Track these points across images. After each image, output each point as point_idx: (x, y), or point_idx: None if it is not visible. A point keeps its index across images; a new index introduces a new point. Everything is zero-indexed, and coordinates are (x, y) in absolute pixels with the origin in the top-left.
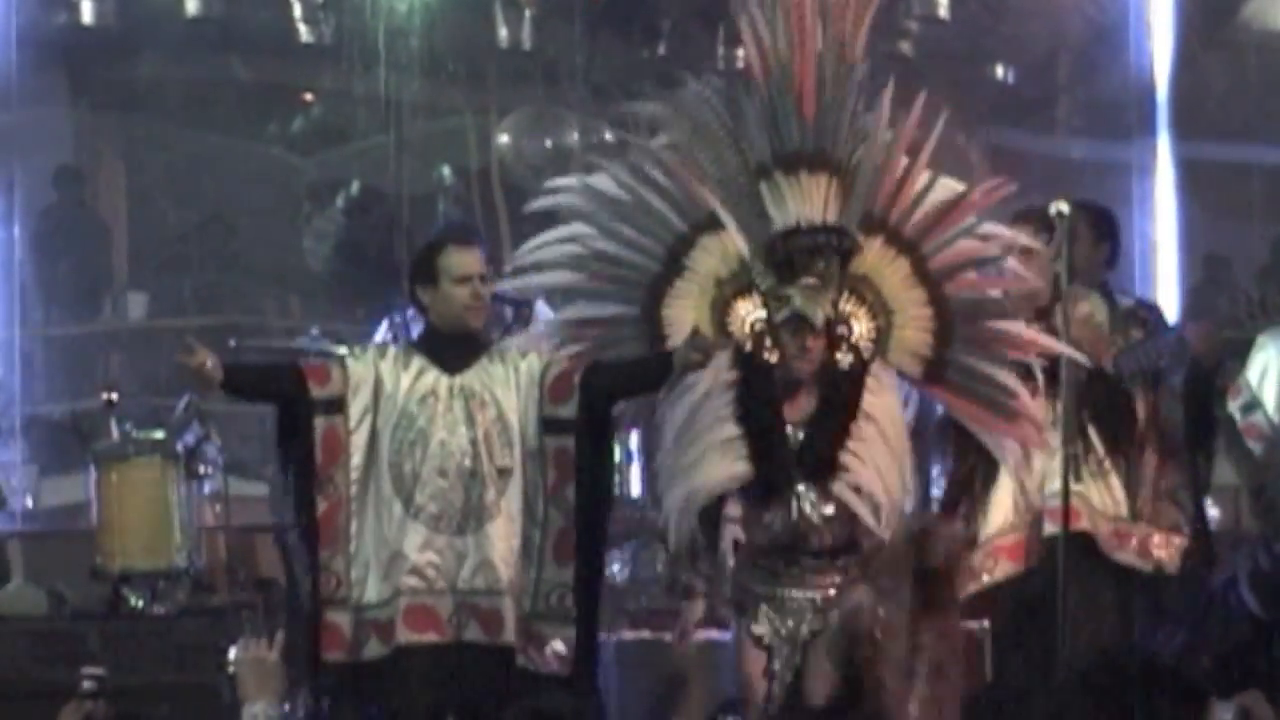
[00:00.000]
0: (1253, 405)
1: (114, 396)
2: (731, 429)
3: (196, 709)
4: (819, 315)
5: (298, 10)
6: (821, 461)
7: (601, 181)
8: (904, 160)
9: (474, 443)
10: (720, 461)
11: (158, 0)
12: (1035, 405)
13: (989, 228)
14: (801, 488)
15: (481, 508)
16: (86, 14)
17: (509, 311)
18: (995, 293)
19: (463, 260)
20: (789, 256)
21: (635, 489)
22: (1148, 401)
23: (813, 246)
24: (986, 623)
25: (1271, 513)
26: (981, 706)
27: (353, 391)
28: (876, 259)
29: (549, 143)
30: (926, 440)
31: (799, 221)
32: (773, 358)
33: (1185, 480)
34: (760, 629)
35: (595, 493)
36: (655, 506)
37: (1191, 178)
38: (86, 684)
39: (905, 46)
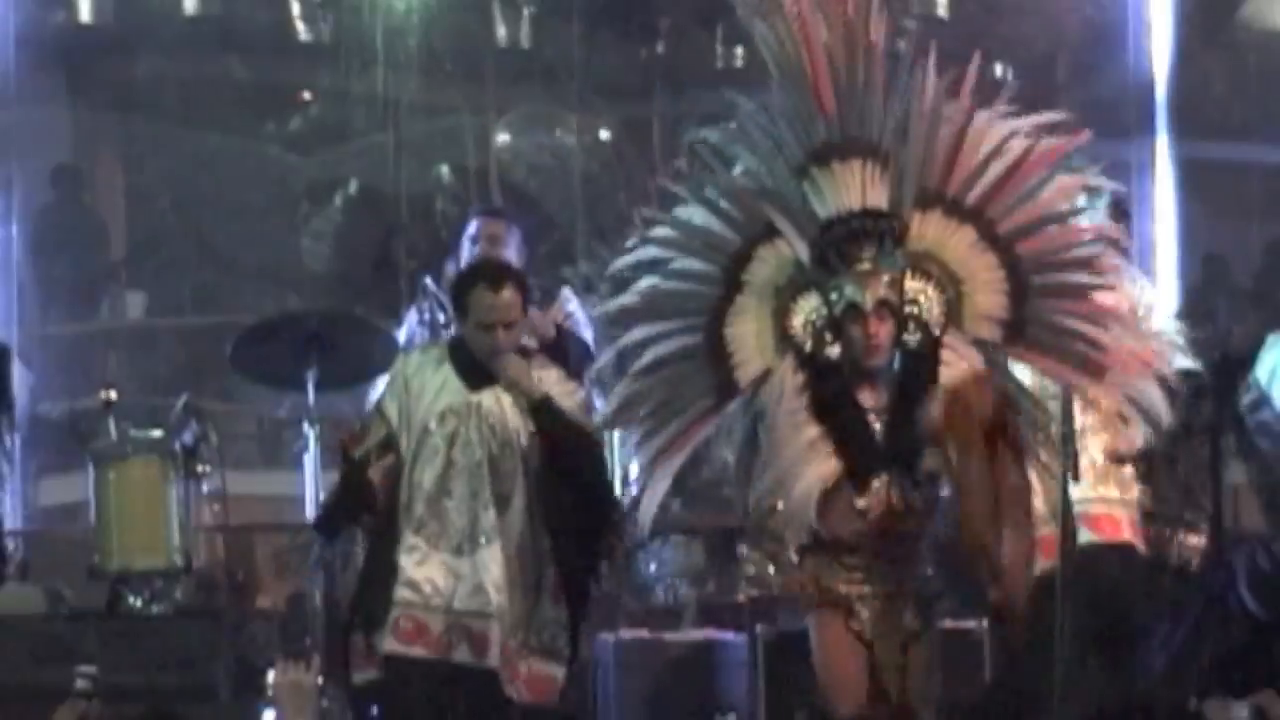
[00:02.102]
0: (1262, 403)
1: (112, 396)
2: (811, 430)
3: (194, 709)
4: (868, 300)
5: (296, 9)
6: (908, 444)
7: (661, 231)
8: (951, 129)
9: (479, 464)
10: (810, 464)
11: (156, 0)
12: (1124, 350)
13: (1063, 180)
14: (890, 476)
15: (479, 530)
16: (84, 13)
17: (536, 294)
18: (1073, 248)
19: (488, 304)
20: (833, 247)
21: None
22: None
23: (849, 234)
24: (985, 623)
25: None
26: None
27: (397, 428)
28: (937, 231)
29: (547, 142)
30: None
31: (836, 211)
32: (833, 351)
33: (1202, 478)
34: (858, 625)
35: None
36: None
37: (1190, 177)
38: (80, 683)
39: (903, 45)
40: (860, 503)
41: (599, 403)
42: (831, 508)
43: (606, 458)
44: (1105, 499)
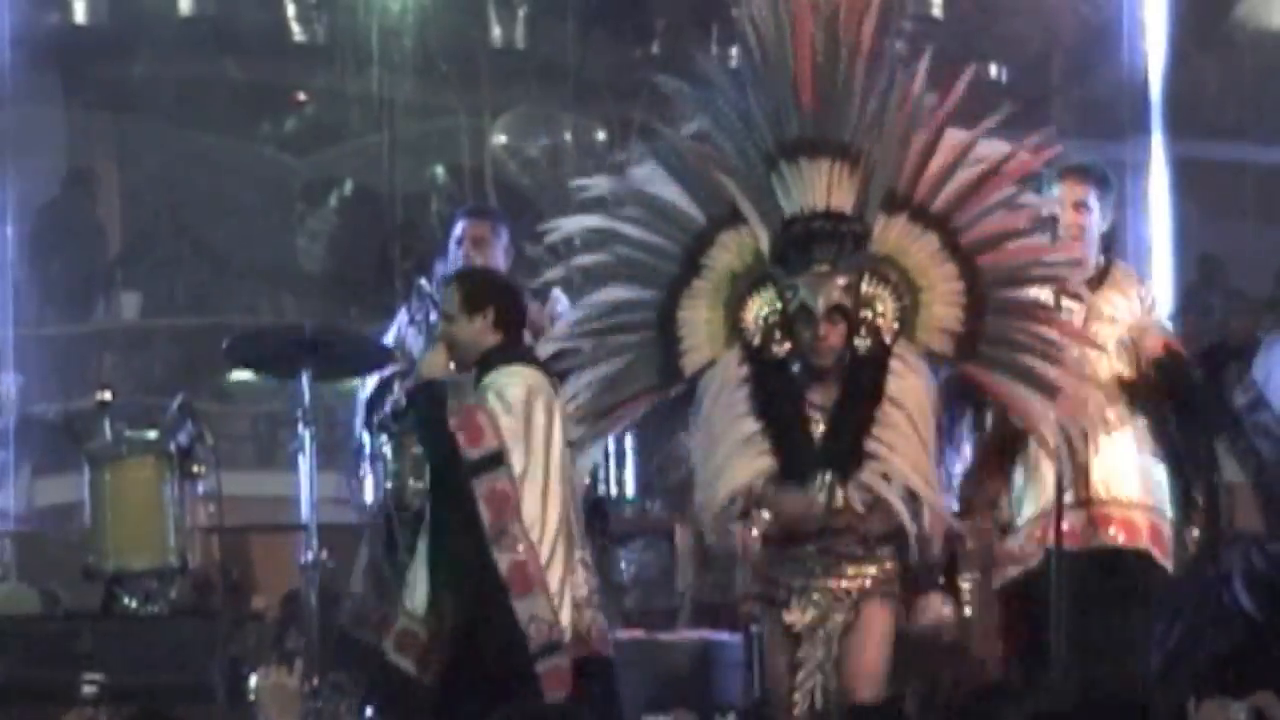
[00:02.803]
0: (1260, 404)
1: (107, 396)
2: (750, 425)
3: (190, 709)
4: (820, 303)
5: (291, 10)
6: (845, 450)
7: (625, 184)
8: (926, 135)
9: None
10: (743, 458)
11: (151, 0)
12: (1078, 374)
13: (1028, 198)
14: (830, 476)
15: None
16: (80, 13)
17: (527, 296)
18: (1037, 266)
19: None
20: (792, 246)
21: (630, 489)
22: None
23: (809, 234)
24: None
25: (1275, 510)
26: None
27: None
28: (899, 237)
29: (542, 142)
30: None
31: (799, 209)
32: (780, 349)
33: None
34: (791, 617)
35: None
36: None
37: (1185, 177)
38: (87, 689)
39: (898, 45)
40: (804, 503)
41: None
42: (784, 501)
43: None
44: (1123, 502)
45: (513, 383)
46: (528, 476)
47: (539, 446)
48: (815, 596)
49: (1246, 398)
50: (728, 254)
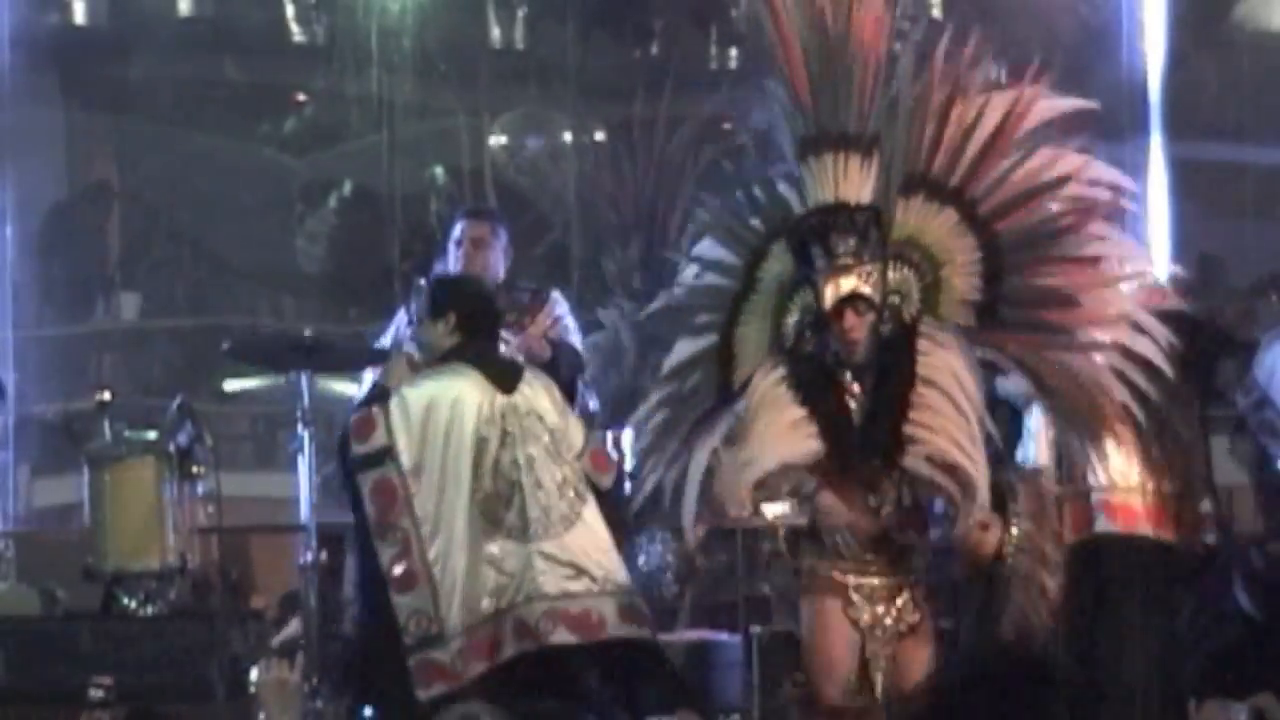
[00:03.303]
0: (1263, 403)
1: (106, 397)
2: (796, 410)
3: (189, 710)
4: (837, 296)
5: (290, 11)
6: (884, 438)
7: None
8: (934, 113)
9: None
10: (793, 438)
11: (150, 1)
12: (1102, 306)
13: (1042, 153)
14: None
15: None
16: (79, 14)
17: (525, 296)
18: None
19: None
20: (806, 241)
21: (627, 486)
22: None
23: (821, 227)
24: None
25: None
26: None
27: None
28: (919, 217)
29: (542, 143)
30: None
31: (811, 205)
32: (808, 346)
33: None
34: (856, 613)
35: None
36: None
37: (1185, 178)
38: (94, 693)
39: (897, 47)
40: (872, 500)
41: (593, 404)
42: (844, 503)
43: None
44: (1125, 487)
45: (428, 381)
46: (422, 472)
47: (436, 443)
48: (873, 594)
49: (1250, 398)
50: (778, 263)
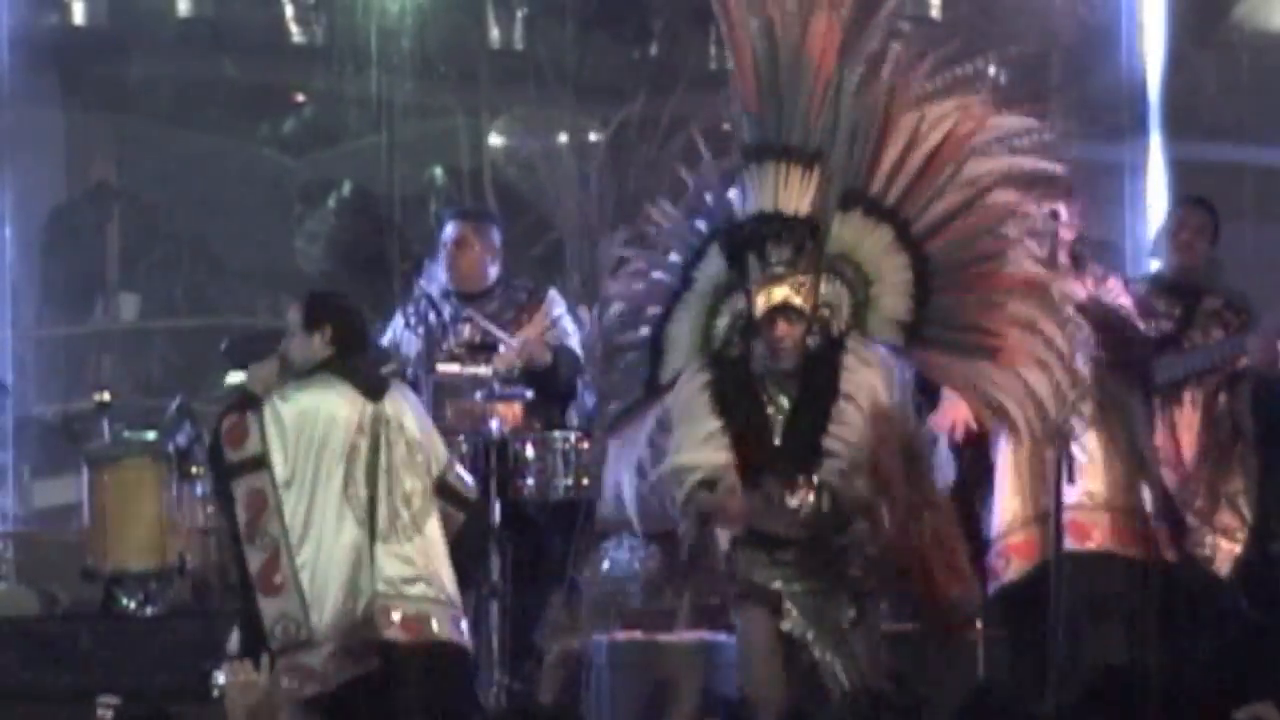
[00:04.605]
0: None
1: (106, 397)
2: (712, 423)
3: (188, 710)
4: (771, 303)
5: (289, 11)
6: (803, 449)
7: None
8: (875, 130)
9: None
10: (702, 452)
11: (149, 1)
12: (1026, 340)
13: (973, 165)
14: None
15: None
16: (78, 14)
17: (523, 296)
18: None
19: None
20: (742, 248)
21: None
22: (1209, 404)
23: (755, 236)
24: (979, 624)
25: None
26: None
27: None
28: (855, 232)
29: (541, 144)
30: None
31: (750, 212)
32: (733, 351)
33: (1248, 487)
34: (788, 624)
35: None
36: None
37: (1184, 178)
38: (102, 712)
39: (896, 47)
40: (791, 502)
41: (591, 402)
42: (767, 505)
43: None
44: (1082, 505)
45: (300, 393)
46: (294, 482)
47: (310, 452)
48: (805, 598)
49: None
50: (713, 265)
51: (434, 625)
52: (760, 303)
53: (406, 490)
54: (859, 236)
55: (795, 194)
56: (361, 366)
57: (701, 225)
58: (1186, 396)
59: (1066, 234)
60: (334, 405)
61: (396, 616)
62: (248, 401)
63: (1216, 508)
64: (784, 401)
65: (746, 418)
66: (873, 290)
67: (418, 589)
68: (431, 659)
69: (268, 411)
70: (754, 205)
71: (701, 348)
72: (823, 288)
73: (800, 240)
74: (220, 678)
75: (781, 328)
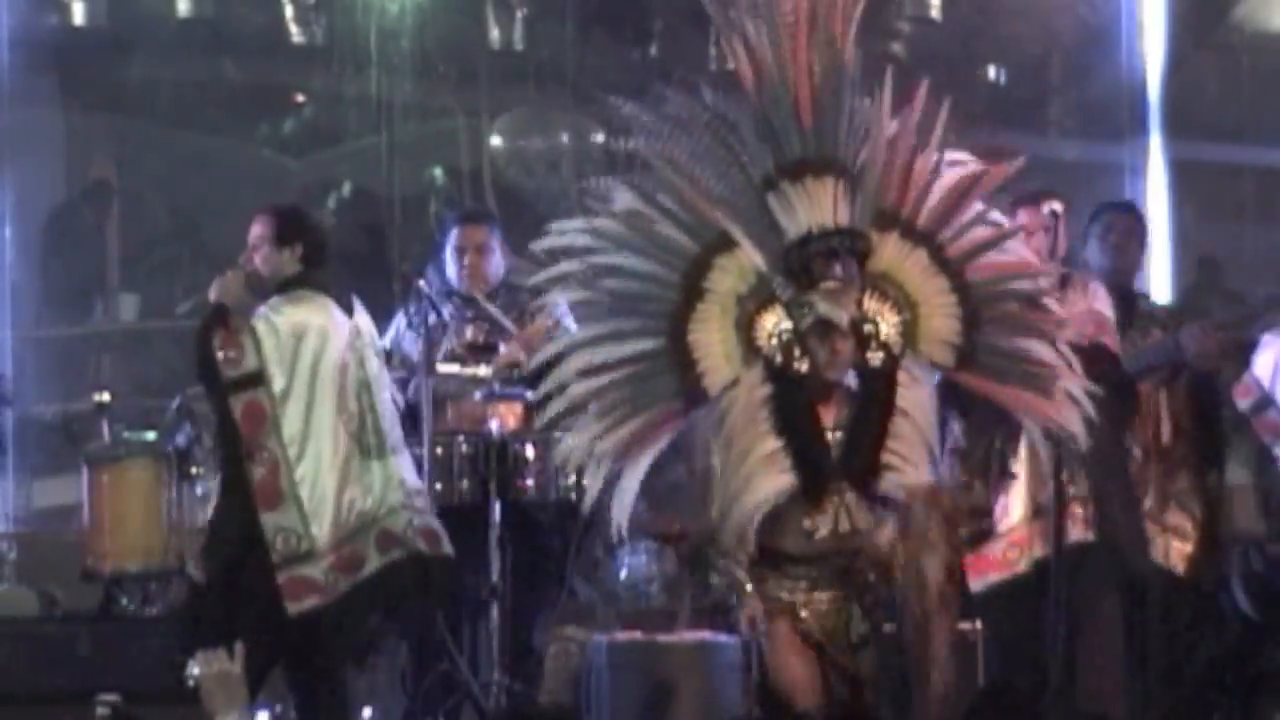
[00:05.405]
0: (1265, 404)
1: (105, 398)
2: (772, 442)
3: (188, 711)
4: (843, 317)
5: (289, 12)
6: (864, 464)
7: (605, 224)
8: (907, 153)
9: None
10: (766, 476)
11: (149, 2)
12: (1075, 381)
13: (995, 215)
14: (849, 495)
15: None
16: (78, 15)
17: (525, 297)
18: (1016, 278)
19: None
20: (805, 264)
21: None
22: (1151, 405)
23: (827, 251)
24: (979, 623)
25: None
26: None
27: None
28: (894, 254)
29: (541, 144)
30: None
31: (810, 228)
32: (803, 366)
33: (1195, 486)
34: (805, 627)
35: None
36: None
37: (1184, 179)
38: (101, 710)
39: (897, 48)
40: (807, 523)
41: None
42: (781, 523)
43: None
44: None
45: (290, 307)
46: (291, 395)
47: (305, 368)
48: (821, 608)
49: (1250, 400)
50: (729, 276)
51: (442, 539)
52: (829, 316)
53: (386, 402)
54: (898, 257)
55: (845, 209)
56: (329, 283)
57: (684, 238)
58: None
59: (1064, 240)
60: (327, 321)
61: (419, 532)
62: (224, 313)
63: (1165, 508)
64: (836, 418)
65: (807, 435)
66: (919, 310)
67: (421, 501)
68: (449, 573)
69: (261, 326)
70: (809, 221)
71: (746, 359)
72: (867, 304)
73: (855, 255)
74: (195, 669)
75: (840, 342)
